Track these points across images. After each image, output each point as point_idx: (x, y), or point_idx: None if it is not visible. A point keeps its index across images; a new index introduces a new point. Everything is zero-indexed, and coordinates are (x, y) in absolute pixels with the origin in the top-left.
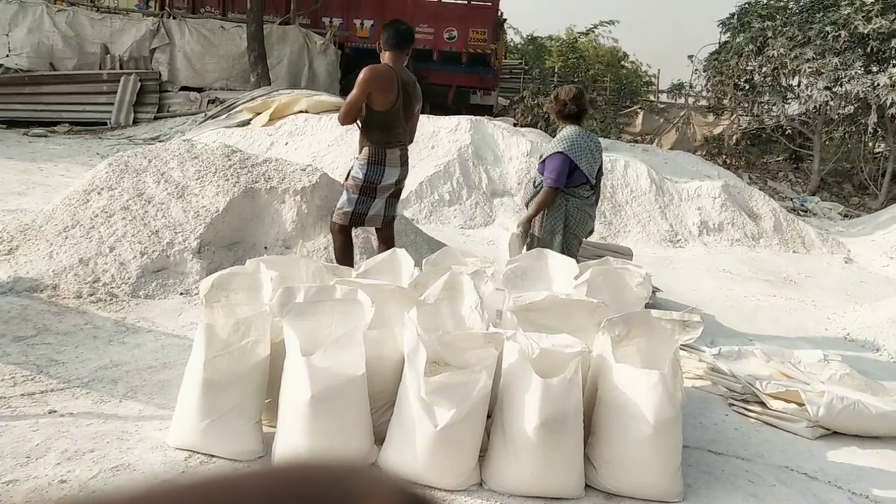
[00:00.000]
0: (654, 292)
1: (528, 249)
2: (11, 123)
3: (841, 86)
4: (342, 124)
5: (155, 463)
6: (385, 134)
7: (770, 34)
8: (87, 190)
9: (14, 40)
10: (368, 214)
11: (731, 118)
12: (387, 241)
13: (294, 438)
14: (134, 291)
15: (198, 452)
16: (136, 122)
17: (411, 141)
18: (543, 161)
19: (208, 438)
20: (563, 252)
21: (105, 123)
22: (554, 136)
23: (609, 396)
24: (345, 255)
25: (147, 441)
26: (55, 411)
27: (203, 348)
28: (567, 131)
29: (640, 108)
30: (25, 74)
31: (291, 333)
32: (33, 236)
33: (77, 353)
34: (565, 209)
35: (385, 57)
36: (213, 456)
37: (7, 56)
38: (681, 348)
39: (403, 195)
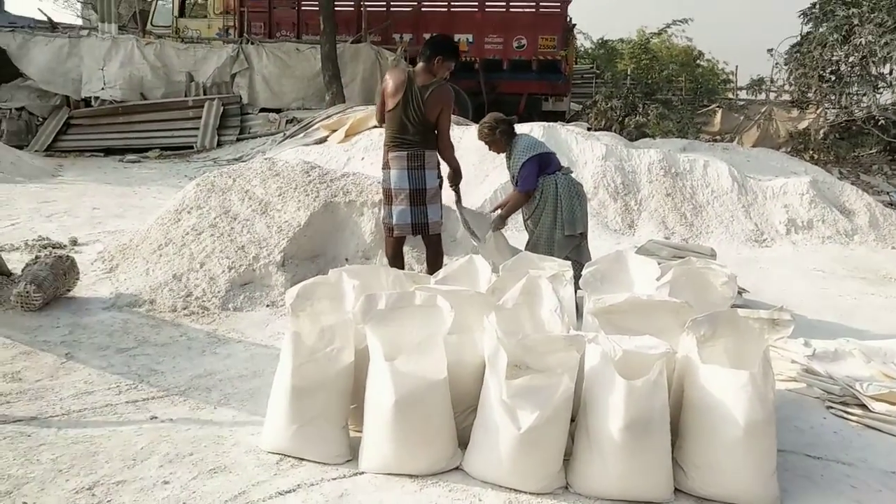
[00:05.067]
0: (740, 293)
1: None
2: (108, 151)
3: None
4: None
5: (249, 465)
6: (387, 136)
7: (856, 21)
8: (178, 210)
9: (108, 74)
10: (392, 223)
11: (818, 112)
12: (430, 254)
13: (379, 442)
14: (224, 304)
15: (289, 456)
16: (220, 144)
17: (447, 154)
18: (515, 177)
19: (298, 442)
20: (571, 221)
21: (192, 147)
22: (628, 139)
23: (696, 398)
24: (393, 265)
25: (241, 445)
26: (156, 417)
27: (291, 355)
28: (519, 143)
29: (718, 106)
30: (119, 105)
31: (374, 339)
32: (131, 255)
33: (174, 363)
34: (556, 188)
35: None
36: (303, 459)
37: (102, 89)
38: (772, 349)
39: (477, 203)
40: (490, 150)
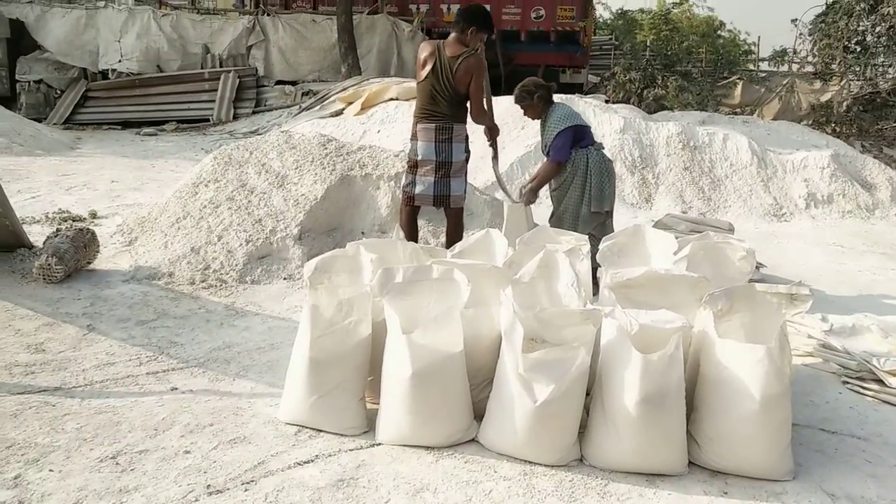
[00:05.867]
0: (757, 268)
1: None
2: (126, 124)
3: None
4: None
5: (268, 436)
6: (417, 107)
7: None
8: (196, 183)
9: (125, 46)
10: (413, 193)
11: (841, 83)
12: (450, 227)
13: (396, 414)
14: (241, 277)
15: (307, 427)
16: (236, 116)
17: (480, 120)
18: (548, 146)
19: (316, 414)
20: (599, 198)
21: (208, 120)
22: (647, 111)
23: (712, 372)
24: (406, 232)
25: (260, 416)
26: (177, 388)
27: (309, 328)
28: (555, 112)
29: (738, 78)
30: (136, 77)
31: (392, 312)
32: (149, 228)
33: (193, 335)
34: (587, 163)
35: None
36: (321, 430)
37: (119, 61)
38: (789, 324)
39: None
40: (525, 114)
